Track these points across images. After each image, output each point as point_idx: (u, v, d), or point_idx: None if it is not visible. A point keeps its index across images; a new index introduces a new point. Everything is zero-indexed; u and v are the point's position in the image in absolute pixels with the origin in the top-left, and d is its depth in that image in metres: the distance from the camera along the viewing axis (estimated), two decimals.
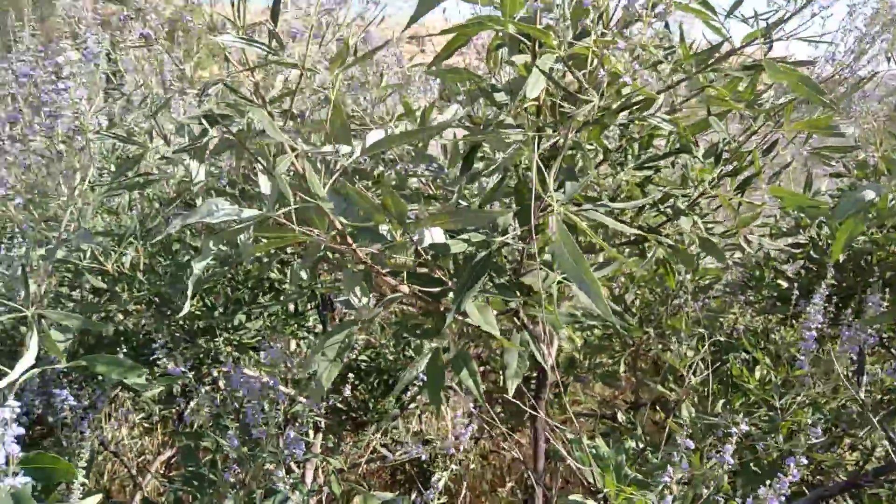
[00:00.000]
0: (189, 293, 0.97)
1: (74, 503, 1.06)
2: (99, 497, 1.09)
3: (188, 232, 1.86)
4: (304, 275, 1.57)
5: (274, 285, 1.92)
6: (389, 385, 2.27)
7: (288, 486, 1.30)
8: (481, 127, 1.22)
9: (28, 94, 1.14)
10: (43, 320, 1.09)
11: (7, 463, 0.70)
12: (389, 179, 1.24)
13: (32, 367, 1.09)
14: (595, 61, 1.05)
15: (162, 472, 2.07)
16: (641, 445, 1.41)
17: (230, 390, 1.60)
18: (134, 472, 2.02)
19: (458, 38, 1.22)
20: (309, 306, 2.03)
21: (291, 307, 1.99)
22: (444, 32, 1.18)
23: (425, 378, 1.29)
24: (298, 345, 2.00)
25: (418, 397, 2.25)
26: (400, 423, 2.33)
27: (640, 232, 1.20)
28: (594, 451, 1.31)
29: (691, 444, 1.14)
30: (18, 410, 0.71)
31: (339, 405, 2.15)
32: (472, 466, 2.38)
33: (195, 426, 1.88)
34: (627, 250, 1.47)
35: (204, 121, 0.94)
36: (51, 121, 1.13)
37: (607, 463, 1.19)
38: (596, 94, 0.99)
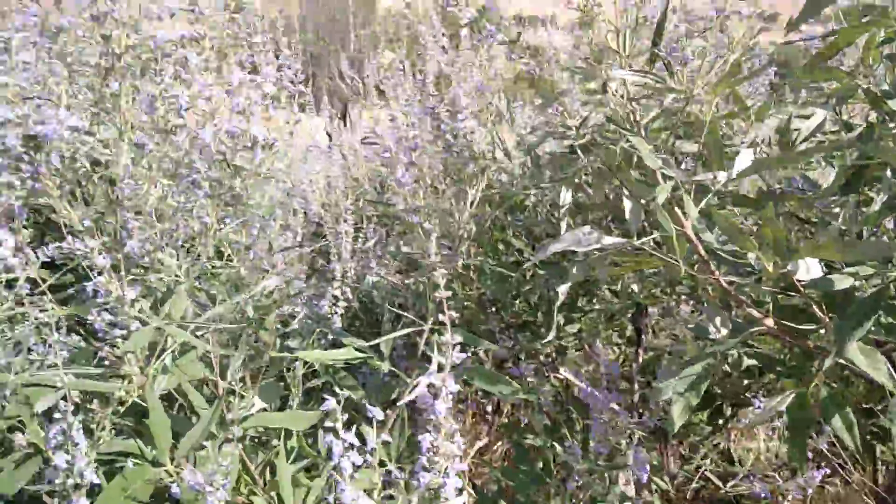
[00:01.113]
0: (554, 317, 0.99)
1: None
2: (465, 498, 1.19)
3: (510, 232, 1.94)
4: (635, 287, 1.53)
5: (591, 289, 1.91)
6: (703, 401, 2.14)
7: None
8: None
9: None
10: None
11: None
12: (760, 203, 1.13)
13: None
14: None
15: (475, 457, 2.22)
16: None
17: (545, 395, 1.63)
18: None
19: (843, 39, 1.06)
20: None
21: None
22: (827, 35, 1.04)
23: (786, 422, 1.17)
24: (613, 350, 1.98)
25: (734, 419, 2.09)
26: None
27: None
28: None
29: None
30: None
31: None
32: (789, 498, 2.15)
33: (514, 421, 1.96)
34: None
35: (578, 150, 0.95)
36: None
37: None
38: None
